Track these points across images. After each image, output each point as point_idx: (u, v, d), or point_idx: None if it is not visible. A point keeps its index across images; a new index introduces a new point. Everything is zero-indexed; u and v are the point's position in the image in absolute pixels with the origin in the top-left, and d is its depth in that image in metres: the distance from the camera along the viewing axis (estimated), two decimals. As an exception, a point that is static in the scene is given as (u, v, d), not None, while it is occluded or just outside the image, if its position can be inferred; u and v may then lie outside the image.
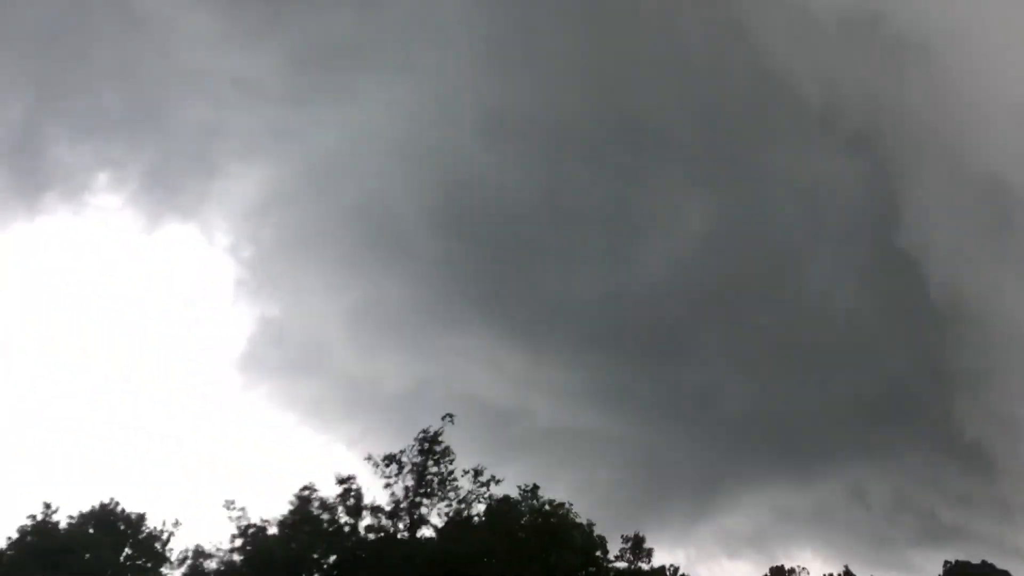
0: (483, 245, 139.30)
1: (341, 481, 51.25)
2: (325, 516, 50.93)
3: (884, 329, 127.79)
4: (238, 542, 47.13)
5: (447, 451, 53.57)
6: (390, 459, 52.52)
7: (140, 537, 49.79)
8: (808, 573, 78.89)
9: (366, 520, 50.94)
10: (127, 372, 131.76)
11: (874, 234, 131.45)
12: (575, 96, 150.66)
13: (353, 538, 50.48)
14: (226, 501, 50.70)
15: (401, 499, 52.02)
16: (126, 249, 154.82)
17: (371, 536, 50.78)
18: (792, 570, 79.78)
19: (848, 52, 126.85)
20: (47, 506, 48.77)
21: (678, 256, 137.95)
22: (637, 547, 66.89)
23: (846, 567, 77.83)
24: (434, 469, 52.99)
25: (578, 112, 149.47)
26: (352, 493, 51.20)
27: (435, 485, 52.71)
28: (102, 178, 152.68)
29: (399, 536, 51.49)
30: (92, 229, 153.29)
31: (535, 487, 55.77)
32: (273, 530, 49.52)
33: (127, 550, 49.54)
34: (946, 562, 74.45)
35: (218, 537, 47.87)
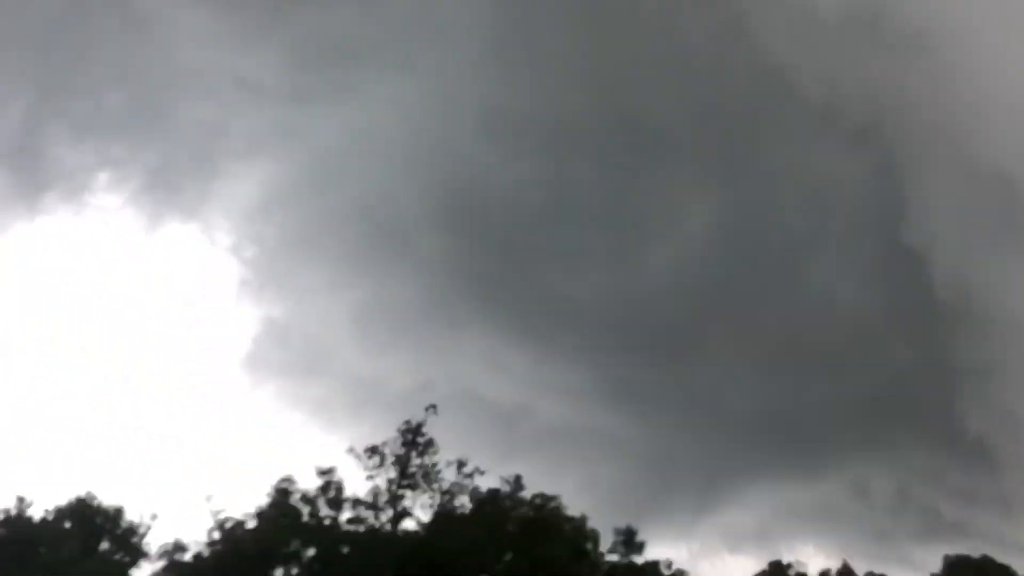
0: (487, 244, 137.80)
1: (322, 473, 50.54)
2: (307, 509, 50.22)
3: (889, 325, 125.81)
4: (215, 535, 46.44)
5: (431, 443, 52.93)
6: (372, 451, 51.81)
7: (118, 532, 49.16)
8: (806, 567, 78.72)
9: (347, 513, 50.23)
10: (129, 373, 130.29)
11: (879, 231, 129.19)
12: (578, 95, 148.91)
13: (334, 531, 49.68)
14: (207, 495, 50.22)
15: (384, 491, 51.36)
16: (127, 249, 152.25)
17: (352, 529, 49.97)
18: (790, 564, 79.36)
19: (851, 48, 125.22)
20: (20, 500, 48.28)
21: (681, 254, 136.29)
22: (629, 540, 65.69)
23: (844, 562, 77.03)
24: (417, 461, 52.33)
25: (581, 110, 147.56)
26: (333, 485, 50.43)
27: (419, 477, 52.03)
28: (103, 178, 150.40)
29: (382, 529, 50.77)
30: (93, 229, 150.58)
31: (518, 478, 54.88)
32: (253, 523, 48.89)
33: (104, 544, 48.95)
34: (946, 556, 73.27)
35: (201, 532, 47.32)
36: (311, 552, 49.23)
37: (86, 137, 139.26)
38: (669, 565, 72.37)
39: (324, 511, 50.06)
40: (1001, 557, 69.00)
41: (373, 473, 51.15)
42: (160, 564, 46.76)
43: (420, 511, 51.54)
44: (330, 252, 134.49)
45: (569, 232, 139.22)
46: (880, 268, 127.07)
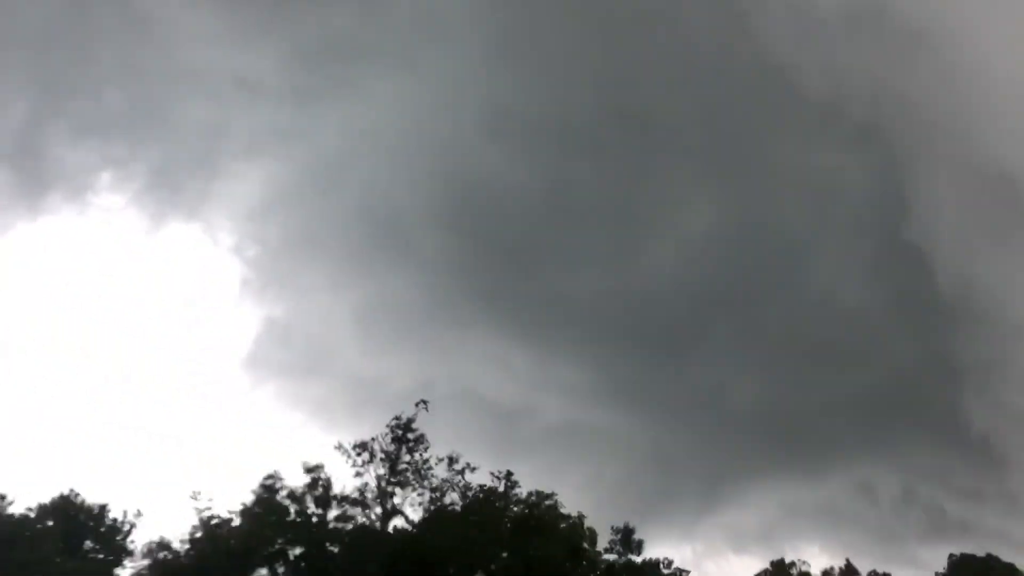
0: (489, 242, 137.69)
1: (309, 470, 49.44)
2: (294, 507, 49.16)
3: (891, 323, 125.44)
4: (199, 533, 45.39)
5: (421, 438, 51.82)
6: (361, 447, 50.74)
7: (101, 530, 48.19)
8: (809, 566, 77.71)
9: (335, 510, 49.13)
10: (131, 372, 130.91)
11: (881, 228, 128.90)
12: (580, 93, 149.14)
13: (322, 529, 48.58)
14: (193, 492, 49.19)
15: (373, 488, 50.32)
16: (129, 249, 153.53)
17: (341, 527, 48.90)
18: (792, 563, 78.28)
19: (853, 46, 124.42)
20: (1, 497, 47.35)
21: (684, 252, 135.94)
22: (627, 539, 64.45)
23: (847, 560, 75.96)
24: (408, 457, 51.24)
25: (583, 109, 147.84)
26: (321, 482, 49.34)
27: (409, 474, 50.96)
28: (105, 178, 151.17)
29: (371, 527, 49.69)
30: (95, 229, 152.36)
31: (509, 473, 53.73)
32: (239, 521, 47.86)
33: (88, 542, 48.00)
34: (951, 555, 72.33)
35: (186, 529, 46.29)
36: (298, 551, 48.13)
37: (88, 137, 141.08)
38: (668, 564, 71.37)
39: (311, 509, 48.96)
40: (1006, 555, 68.79)
41: (362, 470, 50.14)
42: (143, 563, 45.69)
43: (410, 509, 50.60)
44: (332, 252, 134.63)
45: (571, 231, 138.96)
46: (882, 266, 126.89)
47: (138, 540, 48.83)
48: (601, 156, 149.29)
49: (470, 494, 51.16)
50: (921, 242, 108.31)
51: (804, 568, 76.58)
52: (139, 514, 49.26)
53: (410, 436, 51.37)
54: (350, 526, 48.64)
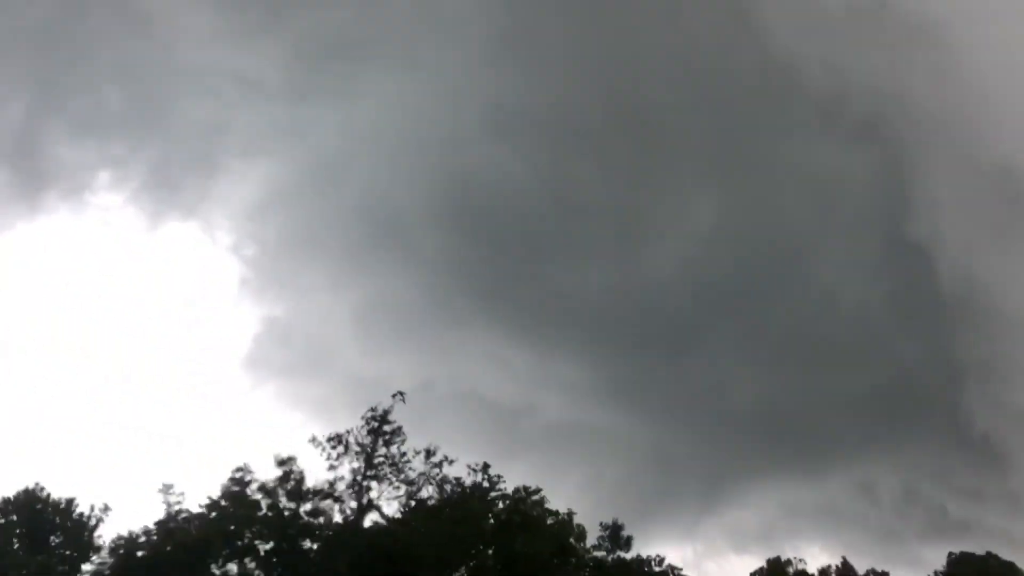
0: (489, 241, 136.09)
1: (281, 463, 47.95)
2: (266, 501, 47.72)
3: (893, 321, 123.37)
4: (157, 528, 43.93)
5: (398, 431, 50.34)
6: (336, 440, 49.29)
7: (68, 524, 46.85)
8: (806, 564, 76.41)
9: (308, 505, 47.64)
10: (130, 372, 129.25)
11: (883, 225, 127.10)
12: (581, 90, 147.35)
13: (295, 523, 47.11)
14: (163, 485, 47.88)
15: (349, 482, 48.85)
16: (128, 248, 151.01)
17: (313, 521, 47.41)
18: (789, 561, 76.93)
19: (855, 39, 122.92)
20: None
21: (685, 251, 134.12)
22: (615, 536, 62.89)
23: (844, 559, 74.45)
24: (384, 450, 49.77)
25: (584, 107, 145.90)
26: (293, 476, 47.86)
27: (385, 467, 49.48)
28: (103, 177, 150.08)
29: (346, 522, 48.23)
30: (93, 228, 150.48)
31: (486, 465, 52.25)
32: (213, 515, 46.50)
33: (53, 538, 46.65)
34: (950, 553, 70.83)
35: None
36: (270, 545, 46.66)
37: (86, 136, 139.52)
38: (660, 562, 69.89)
39: (284, 503, 47.50)
40: (1009, 555, 67.36)
41: (336, 463, 48.66)
42: (107, 558, 44.29)
43: (386, 503, 49.10)
44: (331, 251, 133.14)
45: (572, 230, 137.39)
46: (884, 264, 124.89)
47: (106, 535, 47.50)
48: (602, 155, 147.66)
49: (448, 488, 49.53)
50: (923, 240, 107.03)
51: (801, 566, 75.91)
52: (106, 508, 47.87)
53: (386, 429, 49.95)
54: (322, 520, 46.96)
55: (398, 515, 48.94)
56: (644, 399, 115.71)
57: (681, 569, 70.07)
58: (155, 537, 43.23)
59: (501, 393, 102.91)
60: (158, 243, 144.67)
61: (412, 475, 49.19)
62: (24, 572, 44.09)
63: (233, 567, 44.71)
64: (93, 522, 47.43)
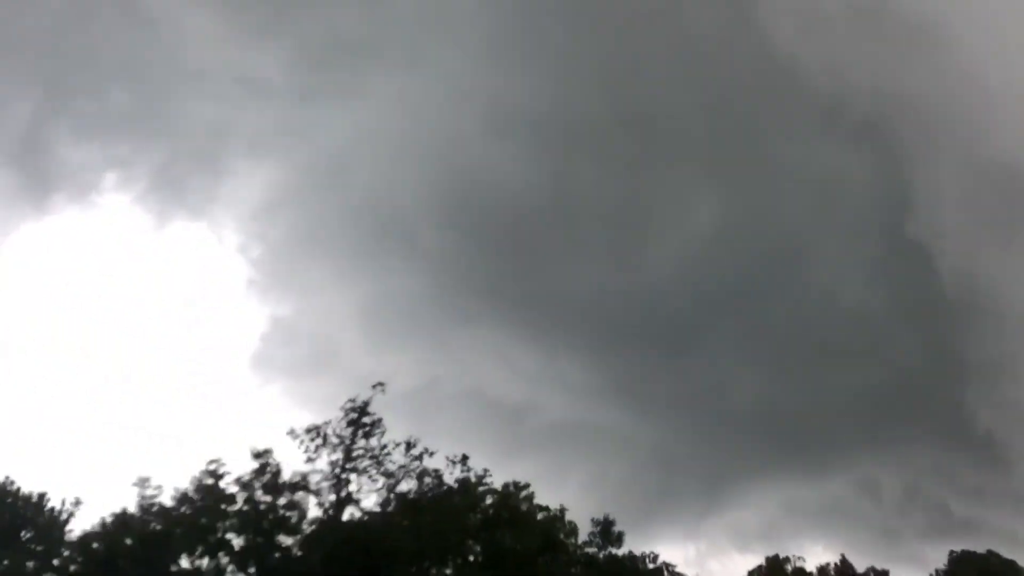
0: (493, 241, 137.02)
1: (257, 455, 46.72)
2: (243, 494, 46.46)
3: (895, 320, 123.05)
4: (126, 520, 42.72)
5: (378, 423, 49.07)
6: (314, 432, 48.04)
7: (40, 520, 45.76)
8: (804, 562, 75.47)
9: (285, 498, 46.35)
10: (137, 372, 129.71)
11: (884, 224, 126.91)
12: (584, 91, 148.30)
13: (271, 517, 45.85)
14: (139, 479, 46.73)
15: (327, 475, 47.56)
16: (134, 249, 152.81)
17: (290, 515, 46.15)
18: (787, 559, 75.85)
19: (856, 41, 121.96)
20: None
21: (686, 250, 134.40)
22: (606, 532, 61.55)
23: (842, 556, 73.45)
24: (363, 442, 48.51)
25: (587, 107, 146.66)
26: (269, 468, 46.62)
27: (365, 460, 48.22)
28: (110, 178, 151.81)
29: (325, 516, 46.95)
30: (100, 229, 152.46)
31: (465, 457, 50.90)
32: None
33: (25, 532, 45.56)
34: (951, 551, 69.95)
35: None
36: (243, 540, 45.40)
37: (93, 137, 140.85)
38: (654, 559, 68.62)
39: (260, 496, 46.23)
40: (1011, 553, 67.26)
41: (314, 455, 47.39)
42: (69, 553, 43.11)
43: (365, 496, 47.79)
44: (336, 250, 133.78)
45: (575, 229, 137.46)
46: (886, 263, 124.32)
47: (77, 530, 46.36)
48: (604, 154, 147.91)
49: (427, 481, 48.19)
50: (924, 239, 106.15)
51: (799, 564, 74.92)
52: (77, 503, 46.75)
53: (366, 420, 48.72)
54: (295, 515, 45.66)
55: (377, 508, 47.66)
56: (646, 398, 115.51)
57: (675, 566, 69.19)
58: (108, 532, 41.88)
59: (505, 392, 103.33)
60: (164, 243, 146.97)
61: (392, 468, 47.98)
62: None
63: (204, 562, 43.53)
64: (64, 516, 46.35)
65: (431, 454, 48.93)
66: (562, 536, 58.99)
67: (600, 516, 63.33)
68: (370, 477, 47.82)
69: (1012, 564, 63.99)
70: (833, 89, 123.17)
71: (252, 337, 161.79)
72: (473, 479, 54.44)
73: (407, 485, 48.11)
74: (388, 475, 47.61)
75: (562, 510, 60.31)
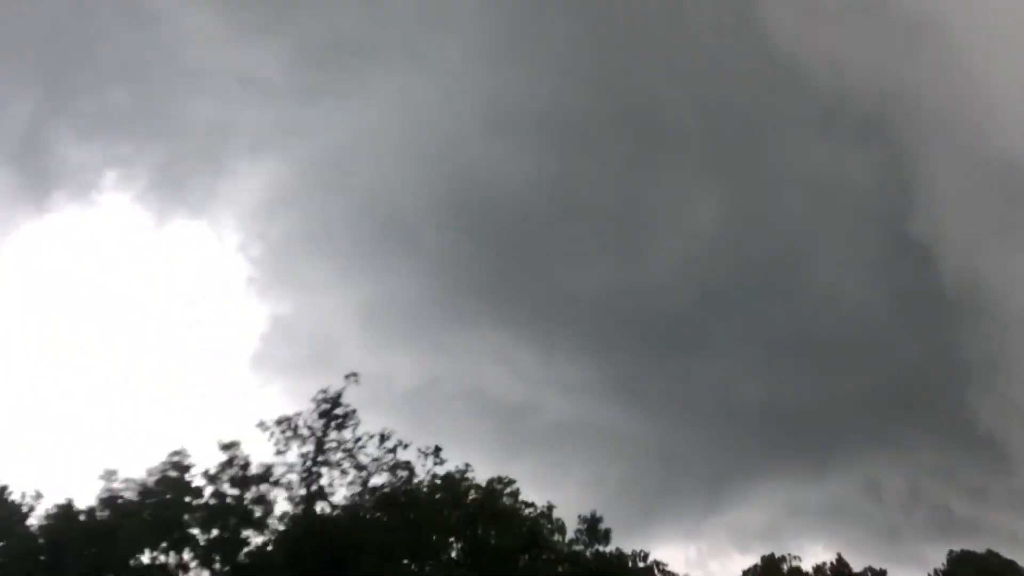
0: (493, 240, 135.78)
1: (225, 447, 45.18)
2: (209, 488, 45.00)
3: (896, 320, 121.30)
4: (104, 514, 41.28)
5: (351, 414, 47.52)
6: (284, 423, 46.47)
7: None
8: (800, 561, 73.94)
9: (251, 492, 44.80)
10: (137, 371, 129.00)
11: (885, 224, 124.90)
12: (584, 90, 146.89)
13: (238, 511, 44.33)
14: (105, 471, 45.34)
15: (298, 468, 46.04)
16: (134, 247, 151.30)
17: (257, 508, 44.62)
18: (783, 557, 74.30)
19: (857, 38, 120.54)
20: None
21: (688, 249, 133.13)
22: (593, 528, 59.85)
23: (839, 555, 71.68)
24: (335, 435, 46.95)
25: (587, 106, 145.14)
26: (237, 461, 45.09)
27: (337, 453, 46.65)
28: (110, 176, 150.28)
29: (293, 508, 45.44)
30: (100, 227, 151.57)
31: (437, 449, 49.21)
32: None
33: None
34: (951, 551, 68.41)
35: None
36: (213, 534, 43.90)
37: (93, 136, 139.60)
38: (644, 557, 66.91)
39: (227, 489, 44.75)
40: (1012, 553, 65.90)
41: (284, 448, 45.83)
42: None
43: (338, 490, 46.22)
44: (336, 249, 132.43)
45: (576, 228, 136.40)
46: (887, 262, 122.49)
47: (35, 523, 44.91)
48: (605, 153, 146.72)
49: (400, 473, 46.59)
50: (926, 238, 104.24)
51: (796, 563, 73.43)
52: (38, 496, 45.32)
53: (338, 412, 47.15)
54: (262, 509, 44.12)
55: (347, 502, 46.05)
56: (648, 398, 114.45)
57: (667, 564, 67.51)
58: (50, 525, 40.41)
59: (506, 391, 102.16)
60: (165, 242, 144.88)
61: (365, 460, 46.39)
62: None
63: (168, 556, 42.07)
64: (25, 509, 44.94)
65: (405, 446, 47.37)
66: (548, 533, 57.48)
67: (600, 515, 61.74)
68: (342, 471, 46.33)
69: (1012, 564, 62.83)
70: (834, 88, 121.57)
71: (252, 336, 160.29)
72: (456, 475, 53.23)
73: (380, 479, 46.53)
74: (360, 468, 46.01)
75: (549, 507, 58.79)
